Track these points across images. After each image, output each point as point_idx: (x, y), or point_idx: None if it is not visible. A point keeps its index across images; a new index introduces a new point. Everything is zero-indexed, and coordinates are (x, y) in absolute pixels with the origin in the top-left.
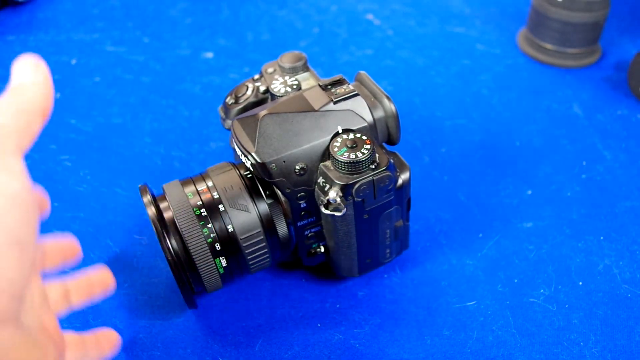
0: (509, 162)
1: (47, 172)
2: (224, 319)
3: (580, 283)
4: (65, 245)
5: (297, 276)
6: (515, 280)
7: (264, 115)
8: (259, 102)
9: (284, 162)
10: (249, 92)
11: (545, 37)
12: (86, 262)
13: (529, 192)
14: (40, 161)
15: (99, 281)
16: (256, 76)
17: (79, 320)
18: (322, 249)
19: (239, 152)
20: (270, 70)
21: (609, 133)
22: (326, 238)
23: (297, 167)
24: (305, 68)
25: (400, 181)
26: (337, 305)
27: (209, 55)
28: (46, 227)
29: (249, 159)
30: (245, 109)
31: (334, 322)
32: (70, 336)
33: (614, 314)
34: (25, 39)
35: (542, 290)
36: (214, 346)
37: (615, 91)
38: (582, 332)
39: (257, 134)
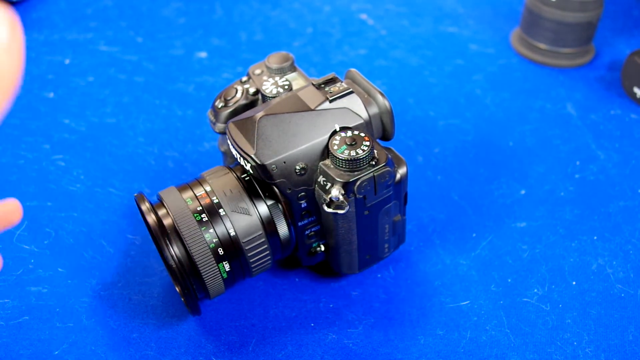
0: (502, 162)
1: (41, 171)
2: (217, 319)
3: (574, 283)
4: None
5: (291, 276)
6: (509, 280)
7: (261, 117)
8: (249, 104)
9: (284, 162)
10: (238, 95)
11: (539, 37)
12: (80, 262)
13: (523, 192)
14: (34, 161)
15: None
16: (244, 78)
17: (72, 319)
18: (322, 248)
19: (236, 155)
20: (257, 71)
21: (602, 133)
22: (326, 236)
23: (298, 167)
24: (292, 68)
25: (398, 176)
26: (331, 305)
27: (203, 55)
28: (39, 226)
29: (248, 162)
30: (236, 111)
31: (327, 321)
32: None
33: (607, 313)
34: None
35: (535, 290)
36: (207, 346)
37: (608, 91)
38: (575, 332)
39: (256, 136)
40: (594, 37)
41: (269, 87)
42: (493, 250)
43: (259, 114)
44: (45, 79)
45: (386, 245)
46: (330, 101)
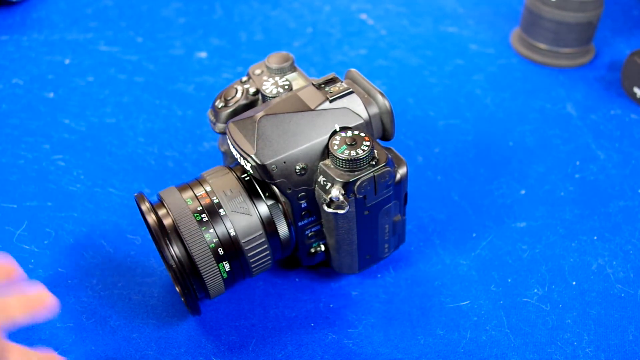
0: (502, 162)
1: (41, 171)
2: (217, 319)
3: (574, 283)
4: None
5: (291, 276)
6: (509, 280)
7: (261, 117)
8: (249, 104)
9: (285, 162)
10: (238, 95)
11: (539, 37)
12: (79, 261)
13: (523, 192)
14: (34, 161)
15: (38, 301)
16: (244, 78)
17: (72, 319)
18: (322, 248)
19: (237, 155)
20: (257, 71)
21: (602, 133)
22: (326, 236)
23: (298, 167)
24: (292, 68)
25: (398, 176)
26: (331, 305)
27: (203, 55)
28: (39, 226)
29: (248, 162)
30: (236, 111)
31: (327, 321)
32: (14, 347)
33: (607, 313)
34: (19, 39)
35: (535, 290)
36: (207, 346)
37: (608, 91)
38: (575, 332)
39: (256, 136)
40: (594, 37)
41: (269, 87)
42: (493, 250)
43: (259, 114)
44: (45, 79)
45: (386, 245)
46: (330, 101)
